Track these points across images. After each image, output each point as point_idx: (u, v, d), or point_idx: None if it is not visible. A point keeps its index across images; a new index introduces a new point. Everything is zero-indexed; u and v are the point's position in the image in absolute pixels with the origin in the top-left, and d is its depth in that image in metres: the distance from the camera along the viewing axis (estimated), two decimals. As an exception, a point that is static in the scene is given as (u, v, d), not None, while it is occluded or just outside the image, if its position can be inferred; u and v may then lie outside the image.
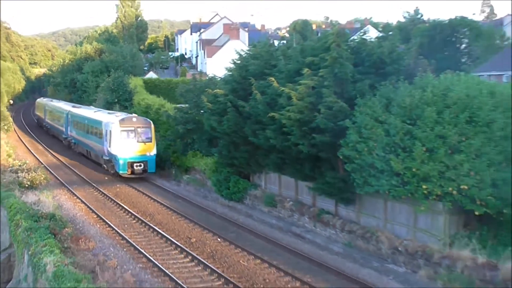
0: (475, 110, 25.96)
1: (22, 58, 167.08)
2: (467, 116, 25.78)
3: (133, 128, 48.83)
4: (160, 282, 25.45)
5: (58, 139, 77.91)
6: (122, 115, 53.09)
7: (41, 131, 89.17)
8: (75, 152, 66.16)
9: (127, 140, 48.26)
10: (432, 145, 25.71)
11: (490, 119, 25.76)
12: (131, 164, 47.73)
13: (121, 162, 47.88)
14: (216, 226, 34.40)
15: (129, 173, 47.72)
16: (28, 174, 46.20)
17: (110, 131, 48.98)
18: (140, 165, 48.04)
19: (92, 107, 72.71)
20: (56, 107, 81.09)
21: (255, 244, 30.64)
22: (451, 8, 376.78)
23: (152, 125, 50.37)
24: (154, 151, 49.41)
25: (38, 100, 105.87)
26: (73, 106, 72.36)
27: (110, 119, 51.02)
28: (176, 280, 25.28)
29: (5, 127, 77.60)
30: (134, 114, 53.83)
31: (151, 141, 49.44)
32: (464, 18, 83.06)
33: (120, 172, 48.07)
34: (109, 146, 49.34)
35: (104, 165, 52.93)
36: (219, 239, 31.62)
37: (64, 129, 70.93)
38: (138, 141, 48.63)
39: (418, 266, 25.98)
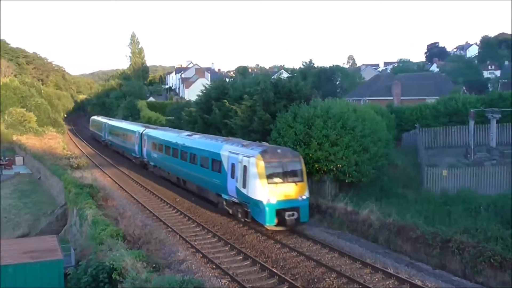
0: (345, 120, 26.33)
1: (72, 89, 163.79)
2: (341, 124, 26.12)
3: (279, 164, 22.88)
4: (157, 224, 24.96)
5: (116, 152, 55.55)
6: (254, 145, 24.78)
7: (84, 135, 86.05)
8: (106, 147, 62.17)
9: (273, 180, 22.41)
10: (320, 141, 25.92)
11: (354, 125, 26.17)
12: (279, 212, 22.16)
13: (267, 210, 21.97)
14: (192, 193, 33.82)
15: (277, 223, 22.26)
16: (76, 159, 45.96)
17: (245, 166, 22.93)
18: (292, 214, 22.23)
19: (176, 129, 40.68)
20: (121, 127, 53.19)
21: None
22: (330, 59, 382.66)
23: (302, 158, 23.77)
24: (306, 193, 23.05)
25: (93, 117, 78.18)
26: (147, 127, 44.64)
27: (242, 151, 23.80)
28: (167, 224, 24.93)
29: (61, 131, 76.19)
30: (266, 143, 25.76)
31: (302, 180, 23.05)
32: (337, 66, 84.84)
33: (267, 224, 22.25)
34: (243, 187, 23.12)
35: (227, 208, 25.49)
36: (193, 199, 31.01)
37: (136, 149, 44.04)
38: (287, 181, 22.65)
39: (313, 214, 25.96)
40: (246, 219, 23.67)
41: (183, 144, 31.58)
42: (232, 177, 23.92)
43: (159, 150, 36.77)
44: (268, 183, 21.89)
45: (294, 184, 22.41)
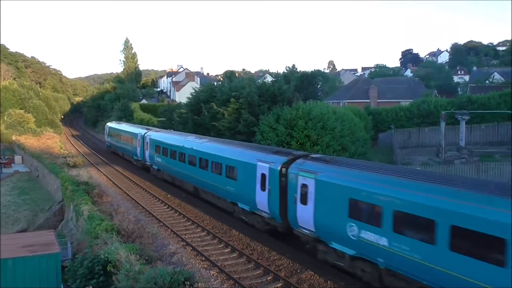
0: (325, 121, 26.52)
1: (68, 91, 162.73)
2: (321, 124, 26.29)
3: None
4: (149, 219, 24.81)
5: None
6: None
7: (81, 135, 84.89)
8: (99, 145, 61.50)
9: None
10: (302, 141, 26.09)
11: (333, 126, 26.36)
12: None
13: None
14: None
15: None
16: (72, 158, 45.35)
17: None
18: None
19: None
20: (205, 151, 25.08)
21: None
22: (311, 64, 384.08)
23: None
24: None
25: (111, 125, 53.53)
26: (290, 154, 18.33)
27: None
28: (159, 219, 24.77)
29: (58, 131, 75.42)
30: None
31: None
32: (318, 70, 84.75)
33: None
34: None
35: None
36: (183, 195, 30.88)
37: (259, 200, 19.25)
38: None
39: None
40: None
41: None
42: None
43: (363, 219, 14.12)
44: None
45: None
